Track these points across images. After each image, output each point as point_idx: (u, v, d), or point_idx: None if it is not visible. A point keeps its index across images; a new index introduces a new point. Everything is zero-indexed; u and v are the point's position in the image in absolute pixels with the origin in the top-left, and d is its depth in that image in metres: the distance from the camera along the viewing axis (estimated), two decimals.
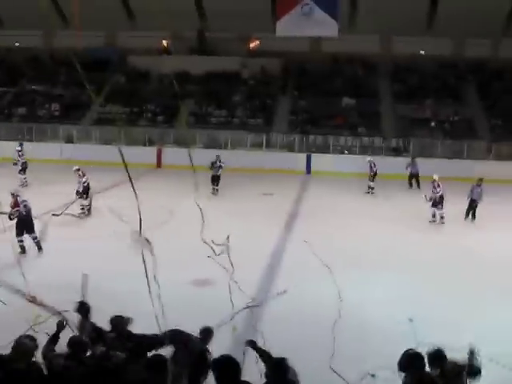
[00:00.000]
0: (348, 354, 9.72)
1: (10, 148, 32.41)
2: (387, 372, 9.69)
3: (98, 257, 14.91)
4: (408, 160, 28.59)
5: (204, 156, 29.35)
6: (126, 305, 10.08)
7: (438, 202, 20.78)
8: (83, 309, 7.39)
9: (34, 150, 32.82)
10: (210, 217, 20.31)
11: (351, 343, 10.23)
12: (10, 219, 15.35)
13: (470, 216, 21.20)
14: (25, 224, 15.79)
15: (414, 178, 28.05)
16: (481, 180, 21.63)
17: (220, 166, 24.82)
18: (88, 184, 20.51)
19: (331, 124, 35.56)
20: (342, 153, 32.98)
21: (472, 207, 21.21)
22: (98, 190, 23.61)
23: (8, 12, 41.22)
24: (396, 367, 6.82)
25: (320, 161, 30.88)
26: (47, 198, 21.33)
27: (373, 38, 38.73)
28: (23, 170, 26.68)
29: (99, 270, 13.39)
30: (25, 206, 15.88)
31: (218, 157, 25.10)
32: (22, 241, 15.64)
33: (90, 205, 20.60)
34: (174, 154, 30.26)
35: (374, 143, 34.02)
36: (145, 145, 34.57)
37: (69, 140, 35.10)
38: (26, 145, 32.31)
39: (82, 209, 20.44)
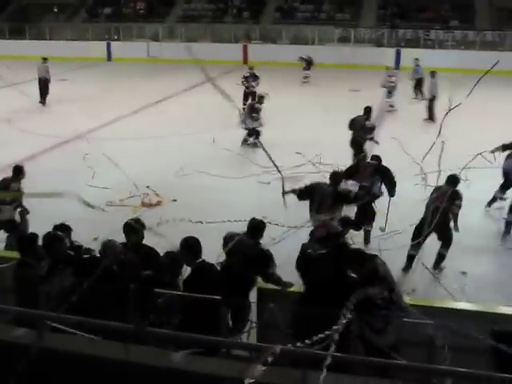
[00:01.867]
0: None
1: (98, 48, 32.92)
2: None
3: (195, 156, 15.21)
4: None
5: (291, 51, 29.00)
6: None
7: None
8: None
9: (122, 49, 33.21)
10: (299, 113, 20.21)
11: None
12: None
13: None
14: None
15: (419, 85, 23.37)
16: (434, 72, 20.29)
17: (255, 80, 20.66)
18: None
19: (422, 17, 34.12)
20: (433, 47, 31.72)
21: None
22: (185, 87, 23.82)
23: None
24: None
25: (410, 56, 29.78)
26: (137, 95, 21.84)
27: None
28: None
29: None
30: None
31: (251, 68, 21.24)
32: None
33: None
34: (260, 50, 29.92)
35: (468, 37, 32.50)
36: (231, 42, 34.17)
37: (154, 38, 35.07)
38: (114, 44, 32.78)
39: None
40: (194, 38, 33.89)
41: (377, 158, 10.89)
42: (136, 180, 12.70)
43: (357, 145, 14.06)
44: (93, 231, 8.69)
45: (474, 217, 11.56)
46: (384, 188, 10.73)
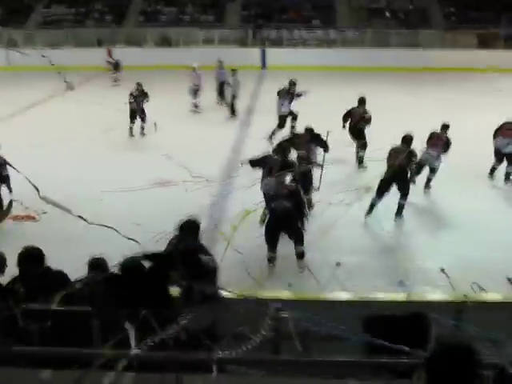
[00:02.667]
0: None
1: None
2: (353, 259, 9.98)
3: (62, 162, 14.75)
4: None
5: (157, 54, 28.77)
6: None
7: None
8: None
9: None
10: (166, 118, 19.99)
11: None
12: None
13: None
14: None
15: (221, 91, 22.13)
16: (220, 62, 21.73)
17: (144, 98, 18.45)
18: None
19: (284, 18, 34.81)
20: (297, 46, 32.42)
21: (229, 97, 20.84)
22: (49, 94, 23.02)
23: None
24: None
25: (275, 55, 30.32)
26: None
27: None
28: None
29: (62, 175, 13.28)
30: None
31: (140, 85, 18.52)
32: None
33: None
34: (125, 54, 29.35)
35: (330, 35, 33.47)
36: (94, 46, 33.34)
37: (13, 45, 33.58)
38: None
39: None
40: (55, 44, 32.88)
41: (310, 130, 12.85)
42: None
43: (357, 132, 15.49)
44: None
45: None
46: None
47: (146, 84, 18.58)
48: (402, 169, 11.87)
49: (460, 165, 14.18)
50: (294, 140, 12.79)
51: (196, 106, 21.23)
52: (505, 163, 14.20)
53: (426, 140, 13.53)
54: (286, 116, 17.70)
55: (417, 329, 4.95)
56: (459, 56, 29.63)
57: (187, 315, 4.45)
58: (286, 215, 9.80)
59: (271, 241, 9.95)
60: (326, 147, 12.84)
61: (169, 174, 13.18)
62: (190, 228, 7.19)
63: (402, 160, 11.78)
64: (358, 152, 15.43)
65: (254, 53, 31.21)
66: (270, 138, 16.59)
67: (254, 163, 11.59)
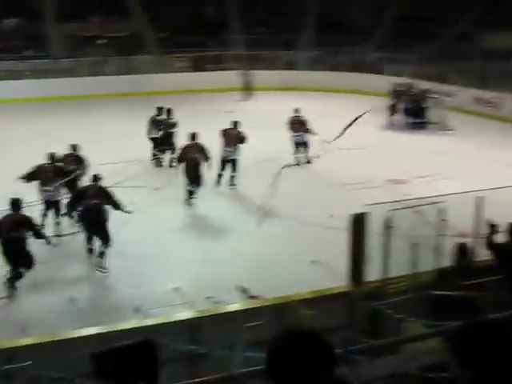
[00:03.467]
0: None
1: None
2: None
3: None
4: None
5: None
6: None
7: None
8: None
9: None
10: None
11: None
12: None
13: None
14: None
15: None
16: None
17: None
18: None
19: None
20: (9, 78, 30.74)
21: None
22: None
23: None
24: None
25: None
26: None
27: None
28: None
29: None
30: None
31: None
32: None
33: None
34: None
35: (46, 65, 32.30)
36: None
37: None
38: None
39: None
40: None
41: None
42: None
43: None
44: None
45: None
46: None
47: None
48: (197, 162, 14.10)
49: None
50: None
51: None
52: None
53: (220, 138, 15.59)
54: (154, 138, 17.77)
55: (145, 356, 4.85)
56: (174, 79, 30.67)
57: None
58: (94, 215, 10.74)
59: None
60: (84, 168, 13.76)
61: None
62: None
63: (195, 153, 14.10)
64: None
65: None
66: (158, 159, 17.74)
67: (28, 177, 12.20)
